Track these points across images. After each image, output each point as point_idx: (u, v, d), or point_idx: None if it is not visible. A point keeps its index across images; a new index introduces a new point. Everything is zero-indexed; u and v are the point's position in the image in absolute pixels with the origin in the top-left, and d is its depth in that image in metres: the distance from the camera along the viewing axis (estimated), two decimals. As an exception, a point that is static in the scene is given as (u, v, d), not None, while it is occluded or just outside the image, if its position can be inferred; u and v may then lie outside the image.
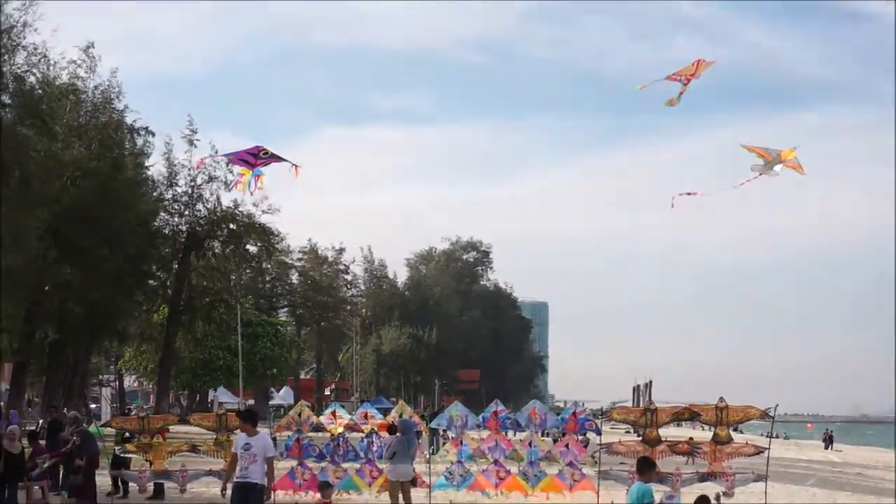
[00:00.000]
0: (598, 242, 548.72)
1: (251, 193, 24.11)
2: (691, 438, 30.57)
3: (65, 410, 40.60)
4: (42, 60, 54.81)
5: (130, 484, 27.89)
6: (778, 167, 23.02)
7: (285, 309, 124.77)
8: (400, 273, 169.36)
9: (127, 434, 27.75)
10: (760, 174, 23.14)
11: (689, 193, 24.31)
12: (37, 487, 24.89)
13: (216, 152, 71.31)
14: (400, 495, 24.46)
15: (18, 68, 53.17)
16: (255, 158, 24.07)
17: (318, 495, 19.62)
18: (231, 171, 72.28)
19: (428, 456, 28.80)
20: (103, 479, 28.05)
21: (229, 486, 18.92)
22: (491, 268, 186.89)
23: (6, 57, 52.48)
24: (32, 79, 54.14)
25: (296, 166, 24.51)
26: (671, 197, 24.44)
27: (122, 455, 27.70)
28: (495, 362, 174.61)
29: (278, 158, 24.39)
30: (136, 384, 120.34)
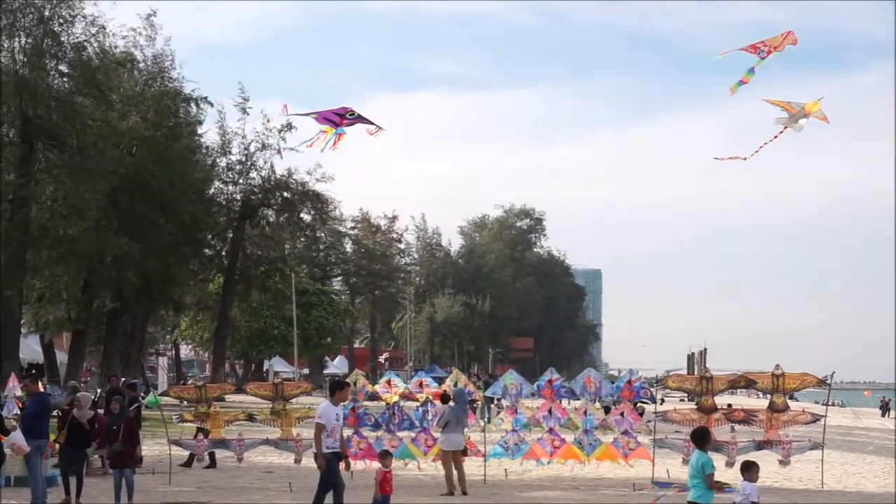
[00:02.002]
0: (652, 209, 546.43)
1: (330, 149, 23.79)
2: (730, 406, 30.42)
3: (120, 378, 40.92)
4: (100, 31, 55.17)
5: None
6: (803, 120, 22.75)
7: (339, 278, 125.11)
8: (453, 241, 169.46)
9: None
10: (785, 128, 22.87)
11: (731, 158, 24.07)
12: (96, 457, 25.13)
13: (266, 119, 71.42)
14: (453, 465, 24.54)
15: (77, 38, 53.62)
16: (342, 119, 23.97)
17: (379, 464, 19.64)
18: (284, 139, 72.48)
19: (483, 425, 28.86)
20: (162, 449, 28.35)
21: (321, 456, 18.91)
22: (544, 235, 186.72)
23: (65, 27, 52.91)
24: (90, 49, 54.53)
25: (379, 128, 24.42)
26: (715, 160, 24.22)
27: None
28: (549, 330, 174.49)
29: (365, 120, 24.29)
30: (192, 353, 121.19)
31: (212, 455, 28.68)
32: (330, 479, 18.71)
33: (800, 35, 22.57)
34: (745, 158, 23.86)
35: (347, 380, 26.49)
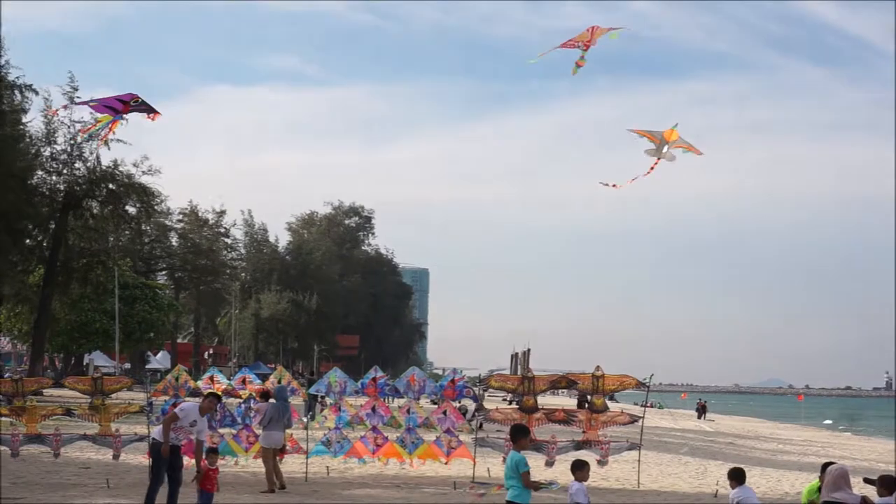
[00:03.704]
0: (480, 209, 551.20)
1: (103, 140, 23.39)
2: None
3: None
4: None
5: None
6: (672, 150, 23.18)
7: (164, 272, 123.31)
8: (281, 237, 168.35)
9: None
10: (659, 159, 23.27)
11: (612, 185, 24.24)
12: None
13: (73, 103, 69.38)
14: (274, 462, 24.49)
15: None
16: (126, 106, 23.54)
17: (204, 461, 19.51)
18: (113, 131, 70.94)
19: (306, 422, 28.77)
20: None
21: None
22: (373, 233, 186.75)
23: None
24: None
25: (157, 113, 23.98)
26: (597, 183, 24.31)
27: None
28: (375, 328, 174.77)
29: (147, 106, 23.86)
30: (9, 346, 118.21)
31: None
32: (161, 467, 19.19)
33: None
34: (616, 186, 24.12)
35: (169, 376, 26.25)
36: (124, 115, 23.78)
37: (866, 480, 17.70)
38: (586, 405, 29.48)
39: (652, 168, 23.26)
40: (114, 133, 24.58)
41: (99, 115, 23.96)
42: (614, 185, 24.03)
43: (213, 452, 20.07)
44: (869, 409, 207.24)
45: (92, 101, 24.27)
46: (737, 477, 16.80)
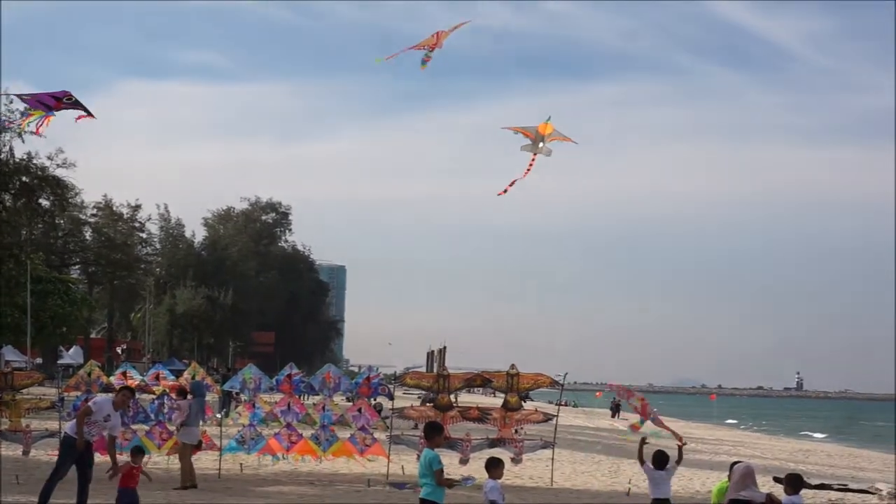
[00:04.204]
0: (397, 208, 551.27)
1: (32, 133, 23.18)
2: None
3: None
4: None
5: None
6: (545, 144, 23.43)
7: (77, 266, 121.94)
8: (197, 232, 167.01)
9: None
10: (536, 154, 23.48)
11: (508, 187, 24.30)
12: None
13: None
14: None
15: None
16: (59, 102, 23.39)
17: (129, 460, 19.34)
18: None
19: (220, 419, 28.64)
20: None
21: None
22: (290, 230, 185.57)
23: None
24: None
25: (90, 114, 23.85)
26: (503, 188, 24.37)
27: None
28: (291, 325, 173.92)
29: (80, 105, 23.73)
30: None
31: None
32: (66, 462, 19.01)
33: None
34: (503, 192, 24.24)
35: (81, 371, 26.01)
36: (55, 111, 23.59)
37: (775, 479, 18.03)
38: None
39: (530, 167, 23.52)
40: (46, 127, 24.33)
41: (31, 110, 23.75)
42: (502, 192, 24.19)
43: (139, 452, 19.83)
44: (778, 409, 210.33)
45: (25, 95, 24.09)
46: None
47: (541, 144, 23.27)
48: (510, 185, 23.89)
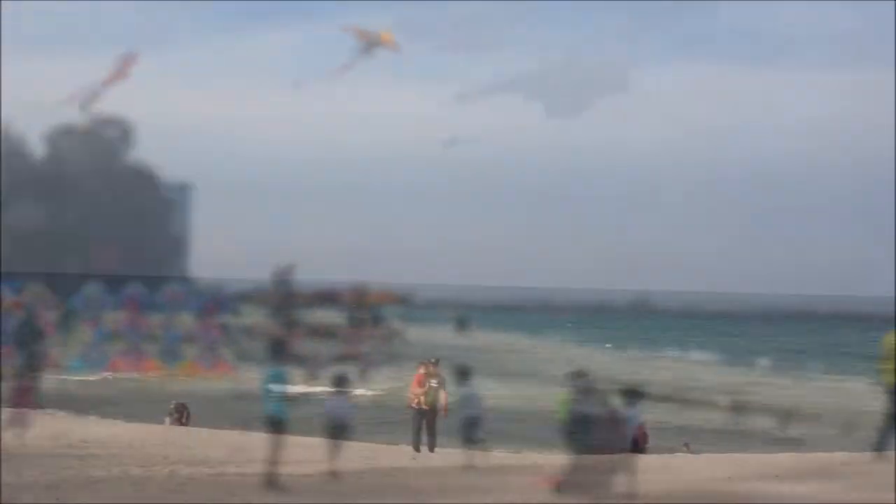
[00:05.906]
0: (249, 123, 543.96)
1: None
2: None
3: None
4: None
5: None
6: (381, 48, 23.65)
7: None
8: (37, 148, 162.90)
9: None
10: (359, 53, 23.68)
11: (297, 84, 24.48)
12: None
13: None
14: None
15: None
16: None
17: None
18: None
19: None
20: None
21: None
22: (134, 146, 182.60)
23: None
24: None
25: None
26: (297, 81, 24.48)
27: None
28: (136, 243, 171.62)
29: None
30: None
31: None
32: None
33: None
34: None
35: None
36: None
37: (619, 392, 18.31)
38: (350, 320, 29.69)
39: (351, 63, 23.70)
40: None
41: None
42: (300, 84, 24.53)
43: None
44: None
45: None
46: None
47: (372, 49, 23.40)
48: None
